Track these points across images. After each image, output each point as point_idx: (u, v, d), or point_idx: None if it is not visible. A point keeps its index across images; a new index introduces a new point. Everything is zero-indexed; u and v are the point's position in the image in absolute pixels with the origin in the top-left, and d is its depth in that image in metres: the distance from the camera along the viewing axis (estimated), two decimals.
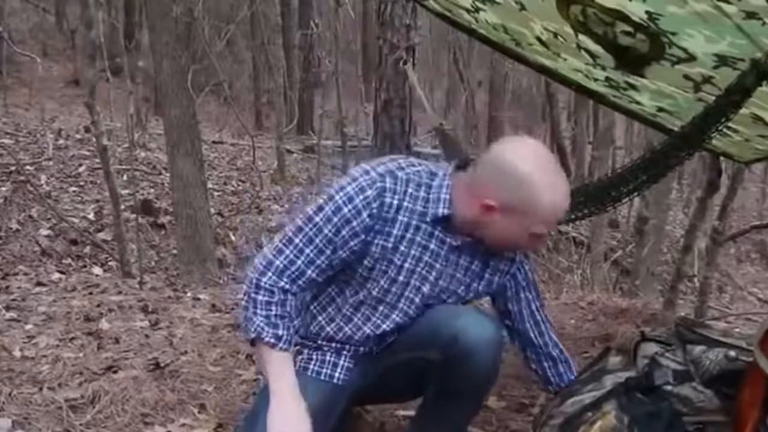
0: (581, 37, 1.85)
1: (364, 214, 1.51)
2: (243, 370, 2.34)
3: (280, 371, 1.51)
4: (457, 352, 1.55)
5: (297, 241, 1.52)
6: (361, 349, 1.68)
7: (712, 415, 1.53)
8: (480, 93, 13.80)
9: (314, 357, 1.67)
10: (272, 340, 1.49)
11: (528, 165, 1.48)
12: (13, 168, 6.55)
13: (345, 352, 1.68)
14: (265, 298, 1.51)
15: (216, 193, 7.37)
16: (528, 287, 1.76)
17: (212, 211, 5.95)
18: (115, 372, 2.26)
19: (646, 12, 1.50)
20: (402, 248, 1.56)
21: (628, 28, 1.64)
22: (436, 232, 1.57)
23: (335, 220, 1.51)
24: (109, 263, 5.79)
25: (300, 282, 1.53)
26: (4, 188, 6.37)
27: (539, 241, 1.61)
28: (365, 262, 1.57)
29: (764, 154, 2.54)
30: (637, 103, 2.36)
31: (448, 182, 1.56)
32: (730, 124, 1.75)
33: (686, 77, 1.80)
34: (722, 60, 1.58)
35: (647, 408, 1.54)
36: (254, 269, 1.53)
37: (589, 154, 8.73)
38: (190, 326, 2.86)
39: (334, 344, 1.67)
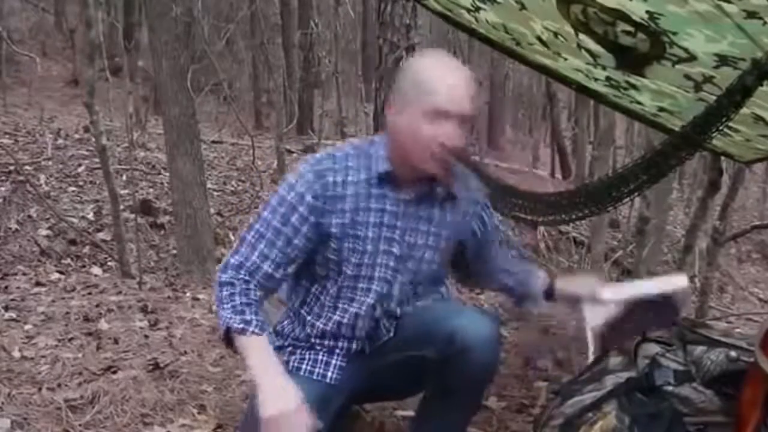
0: (582, 36, 1.84)
1: (308, 197, 1.55)
2: (243, 371, 2.33)
3: (258, 355, 1.50)
4: (454, 351, 1.55)
5: (249, 238, 1.57)
6: (354, 347, 1.68)
7: (713, 415, 1.53)
8: (480, 93, 13.78)
9: (307, 357, 1.68)
10: (241, 326, 1.50)
11: (422, 61, 1.58)
12: (12, 168, 6.53)
13: (338, 351, 1.68)
14: (227, 292, 1.53)
15: (216, 193, 7.34)
16: (494, 226, 1.81)
17: (212, 211, 5.93)
18: (114, 372, 2.26)
19: (647, 11, 1.50)
20: (359, 219, 1.58)
21: (629, 28, 1.63)
22: (387, 192, 1.60)
23: (281, 210, 1.55)
24: (109, 263, 5.77)
25: (258, 277, 1.55)
26: (3, 188, 6.35)
27: (453, 137, 1.53)
28: (332, 245, 1.59)
29: (765, 154, 2.54)
30: (638, 102, 2.36)
31: (384, 141, 1.61)
32: (730, 123, 1.74)
33: (687, 77, 1.80)
34: (723, 59, 1.58)
35: (648, 408, 1.54)
36: (218, 271, 1.58)
37: (590, 154, 8.69)
38: (189, 326, 2.86)
39: (326, 341, 1.68)
